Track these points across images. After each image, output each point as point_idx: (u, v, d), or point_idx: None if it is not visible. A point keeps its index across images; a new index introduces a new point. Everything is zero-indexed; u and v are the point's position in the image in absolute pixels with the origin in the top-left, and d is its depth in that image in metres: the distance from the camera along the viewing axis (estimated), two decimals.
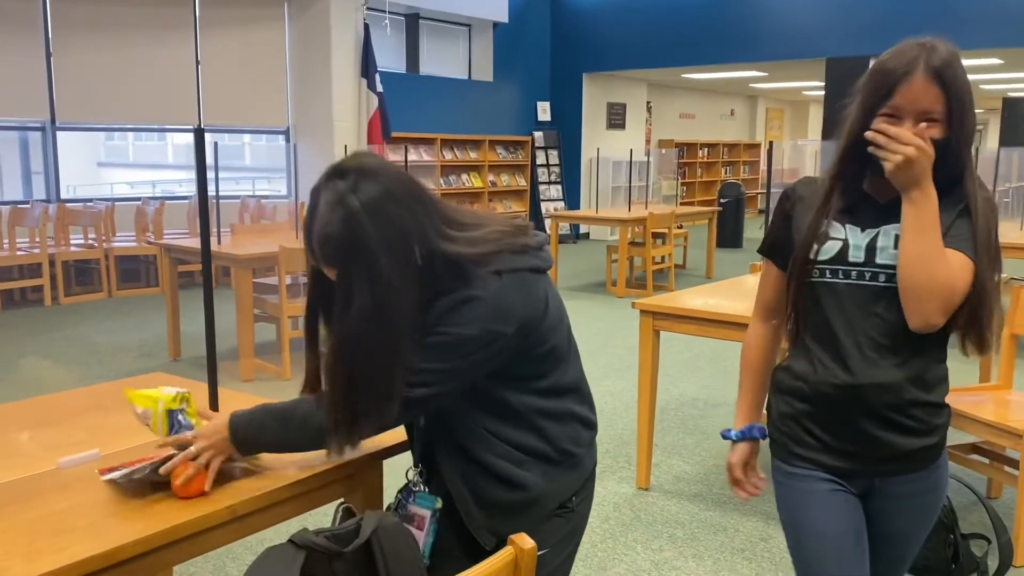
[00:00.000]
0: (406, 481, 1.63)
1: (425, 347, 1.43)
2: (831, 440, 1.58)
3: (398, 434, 1.79)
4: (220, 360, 6.16)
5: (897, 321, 1.51)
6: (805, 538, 1.62)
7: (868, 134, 1.48)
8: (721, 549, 3.06)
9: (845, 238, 1.56)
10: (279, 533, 2.63)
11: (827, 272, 1.57)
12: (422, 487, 1.57)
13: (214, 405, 1.90)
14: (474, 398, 1.51)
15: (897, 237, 1.51)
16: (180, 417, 1.61)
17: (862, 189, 1.58)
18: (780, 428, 1.64)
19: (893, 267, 1.51)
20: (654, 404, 3.54)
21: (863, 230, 1.56)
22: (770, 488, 3.48)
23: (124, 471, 1.50)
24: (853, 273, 1.55)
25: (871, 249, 1.54)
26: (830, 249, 1.56)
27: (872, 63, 1.59)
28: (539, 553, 1.30)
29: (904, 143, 1.44)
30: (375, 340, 1.38)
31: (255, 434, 1.52)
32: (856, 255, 1.55)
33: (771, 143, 3.64)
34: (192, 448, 1.50)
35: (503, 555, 1.26)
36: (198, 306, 7.10)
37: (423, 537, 1.49)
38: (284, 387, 5.12)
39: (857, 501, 1.61)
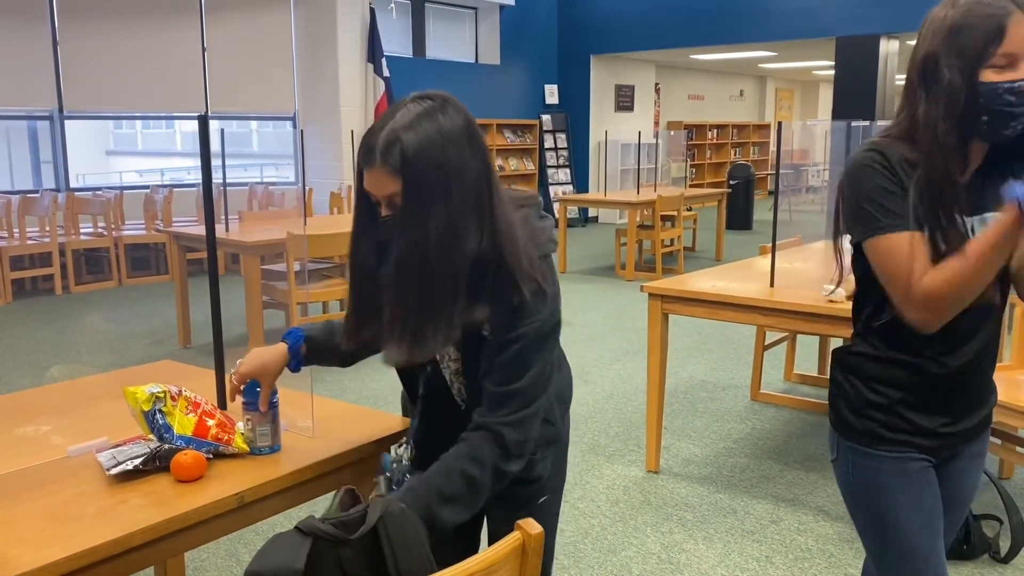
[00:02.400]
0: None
1: (505, 363, 1.42)
2: (927, 422, 1.55)
3: (403, 421, 1.79)
4: (229, 347, 6.18)
5: (990, 304, 1.50)
6: (902, 523, 1.56)
7: (1002, 87, 1.32)
8: (731, 532, 3.06)
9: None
10: (289, 519, 2.64)
11: None
12: (402, 456, 1.58)
13: (221, 393, 1.90)
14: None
15: None
16: (158, 418, 1.60)
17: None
18: (869, 415, 1.57)
19: None
20: (663, 387, 3.54)
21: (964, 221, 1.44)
22: (780, 471, 3.46)
23: (119, 461, 1.51)
24: None
25: None
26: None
27: (945, 19, 1.39)
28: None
29: None
30: (443, 255, 1.35)
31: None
32: None
33: (780, 124, 3.61)
34: None
35: (510, 540, 1.26)
36: (207, 293, 7.10)
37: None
38: (292, 375, 5.12)
39: (935, 473, 1.60)
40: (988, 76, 1.35)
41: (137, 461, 1.52)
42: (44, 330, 6.25)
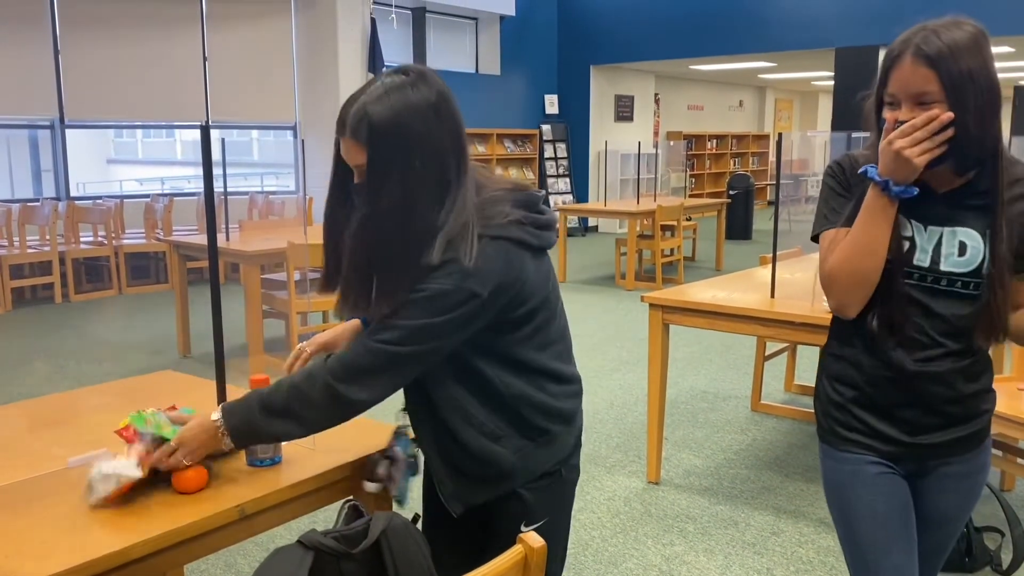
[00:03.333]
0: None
1: (406, 303, 1.43)
2: (883, 427, 1.61)
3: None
4: (229, 356, 6.21)
5: (953, 317, 1.54)
6: (855, 520, 1.63)
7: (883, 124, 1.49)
8: (732, 543, 3.05)
9: (912, 237, 1.54)
10: (290, 531, 2.62)
11: (890, 268, 1.54)
12: (407, 432, 1.62)
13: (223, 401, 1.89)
14: (454, 370, 1.52)
15: (961, 244, 1.51)
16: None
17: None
18: (830, 414, 1.66)
19: (957, 275, 1.52)
20: (664, 398, 3.53)
21: (926, 228, 1.54)
22: (780, 482, 3.46)
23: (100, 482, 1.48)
24: (915, 275, 1.54)
25: (936, 254, 1.53)
26: (896, 248, 1.53)
27: None
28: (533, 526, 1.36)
29: (890, 139, 1.45)
30: (396, 230, 1.40)
31: (251, 416, 1.49)
32: (921, 259, 1.53)
33: (780, 134, 3.62)
34: (169, 448, 1.51)
35: (512, 554, 1.25)
36: (207, 302, 7.13)
37: (398, 478, 1.60)
38: None
39: (905, 483, 1.64)
40: (885, 112, 1.50)
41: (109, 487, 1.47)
42: (44, 339, 6.24)
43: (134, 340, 6.21)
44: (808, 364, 5.15)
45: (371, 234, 1.42)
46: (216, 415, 1.48)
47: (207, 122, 9.51)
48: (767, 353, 4.58)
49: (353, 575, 1.12)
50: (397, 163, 1.39)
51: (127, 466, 1.46)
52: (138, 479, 1.47)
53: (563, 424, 1.61)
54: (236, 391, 1.92)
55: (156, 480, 1.55)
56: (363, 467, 1.66)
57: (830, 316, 3.01)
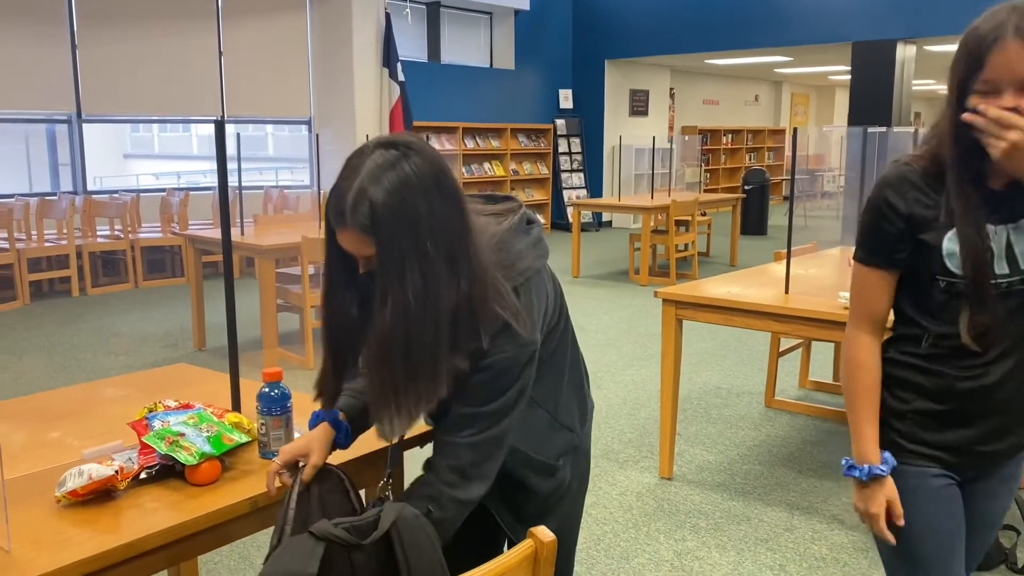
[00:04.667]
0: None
1: (477, 387, 1.40)
2: (952, 437, 1.52)
3: (419, 426, 1.79)
4: (244, 350, 6.23)
5: None
6: (917, 537, 1.53)
7: (965, 117, 1.37)
8: (744, 539, 3.04)
9: (990, 244, 1.45)
10: None
11: (977, 280, 1.45)
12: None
13: (236, 395, 1.90)
14: None
15: None
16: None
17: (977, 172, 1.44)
18: (889, 423, 1.56)
19: None
20: (677, 394, 3.52)
21: (994, 228, 1.45)
22: (794, 479, 3.44)
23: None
24: (1003, 285, 1.46)
25: (1012, 257, 1.45)
26: (980, 261, 1.44)
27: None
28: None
29: (1007, 126, 1.32)
30: (425, 320, 1.30)
31: None
32: (1000, 267, 1.45)
33: (795, 129, 3.59)
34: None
35: (523, 548, 1.25)
36: (223, 296, 7.16)
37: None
38: (308, 376, 5.13)
39: (959, 492, 1.57)
40: (973, 101, 1.38)
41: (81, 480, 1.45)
42: (61, 331, 6.30)
43: (150, 333, 6.26)
44: (822, 360, 5.12)
45: (403, 327, 1.30)
46: None
47: (222, 117, 9.54)
48: (781, 349, 4.56)
49: (363, 566, 1.12)
50: (410, 247, 1.29)
51: (104, 469, 1.46)
52: (108, 477, 1.45)
53: (586, 410, 1.69)
54: (250, 385, 1.94)
55: (170, 472, 1.56)
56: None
57: (846, 313, 2.99)
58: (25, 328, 6.41)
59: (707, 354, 5.60)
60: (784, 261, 4.09)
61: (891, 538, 1.53)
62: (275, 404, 1.64)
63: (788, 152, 17.90)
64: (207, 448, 1.55)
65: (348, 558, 1.11)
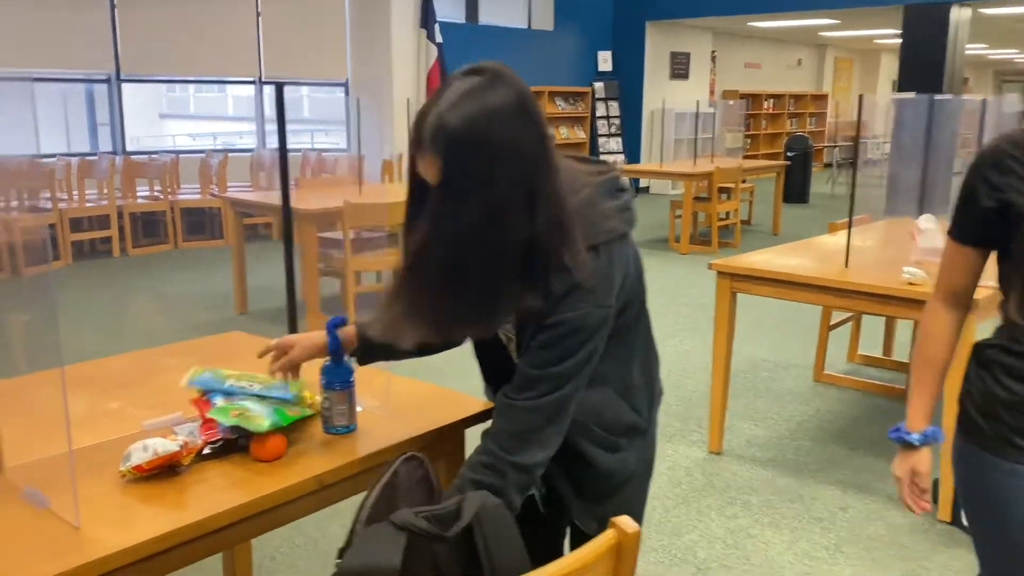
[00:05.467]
0: None
1: (543, 347, 1.36)
2: None
3: (481, 403, 1.74)
4: (281, 314, 6.19)
5: None
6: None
7: None
8: (798, 518, 2.98)
9: None
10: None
11: None
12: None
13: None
14: None
15: None
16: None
17: None
18: (1000, 418, 1.44)
19: None
20: (729, 368, 3.45)
21: None
22: (846, 456, 3.35)
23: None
24: None
25: None
26: None
27: None
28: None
29: None
30: (476, 250, 1.27)
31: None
32: None
33: (860, 96, 3.46)
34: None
35: (605, 539, 1.20)
36: (263, 259, 7.20)
37: None
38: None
39: None
40: None
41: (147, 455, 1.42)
42: (104, 292, 6.34)
43: (191, 295, 6.28)
44: (872, 334, 5.00)
45: (445, 255, 1.29)
46: None
47: (260, 78, 9.49)
48: (832, 323, 4.45)
49: (444, 558, 1.07)
50: (477, 176, 1.25)
51: (169, 444, 1.43)
52: (173, 453, 1.42)
53: (655, 394, 1.63)
54: None
55: (233, 448, 1.53)
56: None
57: (912, 288, 2.89)
58: (69, 288, 6.46)
59: (752, 326, 5.50)
60: (837, 233, 3.98)
61: (913, 506, 1.57)
62: (338, 378, 1.59)
63: (831, 118, 17.52)
64: (275, 418, 1.51)
65: (429, 548, 1.06)
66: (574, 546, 1.61)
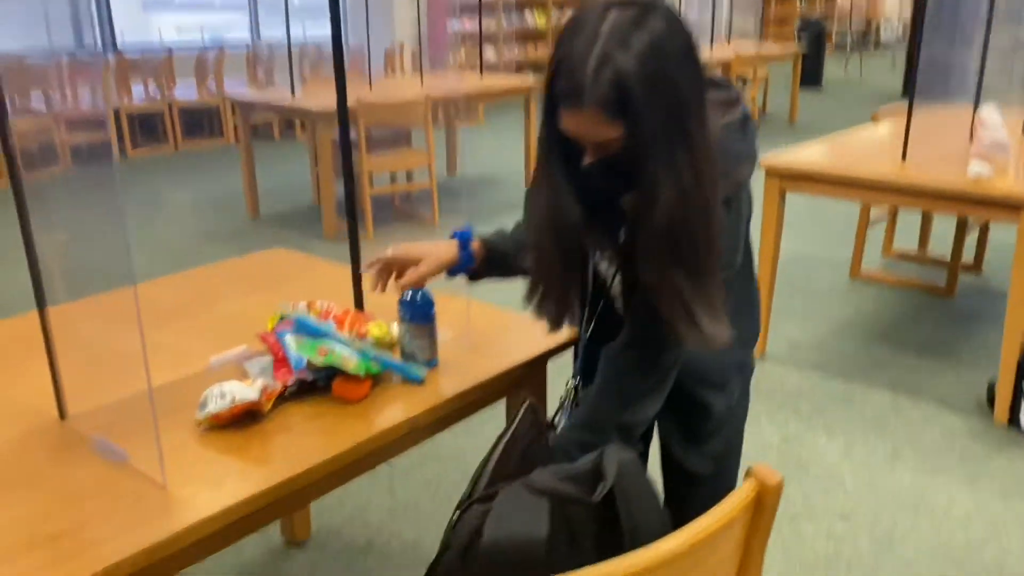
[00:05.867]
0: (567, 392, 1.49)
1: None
2: None
3: (570, 333, 1.62)
4: (295, 218, 6.06)
5: None
6: None
7: None
8: (851, 422, 2.93)
9: None
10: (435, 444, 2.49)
11: None
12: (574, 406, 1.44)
13: (359, 295, 1.73)
14: None
15: None
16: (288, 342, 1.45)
17: None
18: None
19: None
20: (775, 270, 3.33)
21: None
22: (892, 356, 3.24)
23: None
24: None
25: None
26: None
27: None
28: None
29: None
30: (704, 210, 1.12)
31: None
32: None
33: None
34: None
35: (746, 491, 1.10)
36: (267, 160, 6.96)
37: None
38: (367, 246, 4.97)
39: None
40: None
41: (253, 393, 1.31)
42: (110, 199, 6.14)
43: (200, 200, 6.09)
44: (908, 229, 4.86)
45: (683, 222, 1.10)
46: None
47: None
48: (872, 219, 4.30)
49: (579, 521, 0.97)
50: (672, 127, 1.06)
51: (248, 391, 1.31)
52: (254, 403, 1.30)
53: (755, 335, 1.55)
54: (337, 269, 1.76)
55: (311, 389, 1.41)
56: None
57: (978, 186, 2.74)
58: (72, 196, 6.26)
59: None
60: (880, 123, 3.80)
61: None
62: (419, 312, 1.47)
63: (841, 1, 16.86)
64: (363, 362, 1.39)
65: (563, 513, 0.96)
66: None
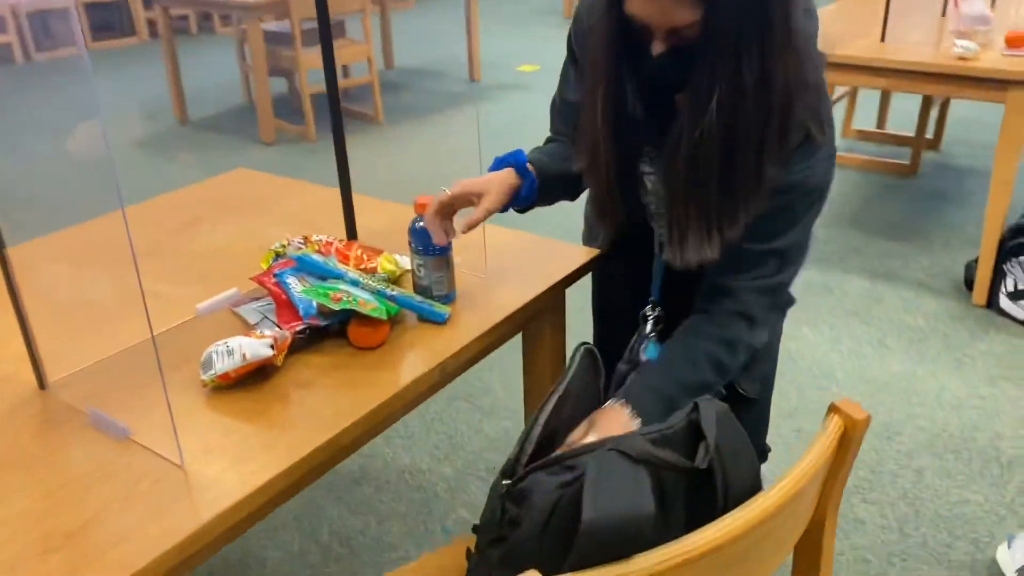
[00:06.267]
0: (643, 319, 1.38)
1: (775, 214, 1.14)
2: None
3: (583, 252, 1.50)
4: (227, 121, 5.71)
5: None
6: None
7: None
8: (833, 313, 2.90)
9: None
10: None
11: None
12: (654, 334, 1.33)
13: (351, 221, 1.57)
14: None
15: None
16: (289, 282, 1.29)
17: None
18: None
19: None
20: None
21: None
22: (865, 242, 3.20)
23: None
24: None
25: None
26: None
27: None
28: None
29: None
30: (756, 116, 1.03)
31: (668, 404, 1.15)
32: None
33: None
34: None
35: (831, 432, 1.01)
36: (189, 59, 6.46)
37: None
38: (311, 150, 4.73)
39: None
40: None
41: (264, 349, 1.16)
42: (19, 107, 5.67)
43: (121, 104, 5.67)
44: (868, 107, 4.80)
45: (729, 127, 1.02)
46: (621, 406, 1.11)
47: None
48: (833, 98, 4.21)
49: (671, 485, 0.87)
50: (753, 17, 0.97)
51: (259, 345, 1.16)
52: (268, 359, 1.15)
53: None
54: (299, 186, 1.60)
55: (322, 334, 1.27)
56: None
57: (963, 64, 2.65)
58: None
59: None
60: (842, 2, 3.65)
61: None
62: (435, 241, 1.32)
63: None
64: (381, 304, 1.25)
65: (657, 476, 0.86)
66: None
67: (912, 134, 4.07)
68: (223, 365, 1.13)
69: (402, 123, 5.06)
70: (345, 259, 1.36)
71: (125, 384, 1.19)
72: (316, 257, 1.33)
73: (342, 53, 5.02)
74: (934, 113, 4.23)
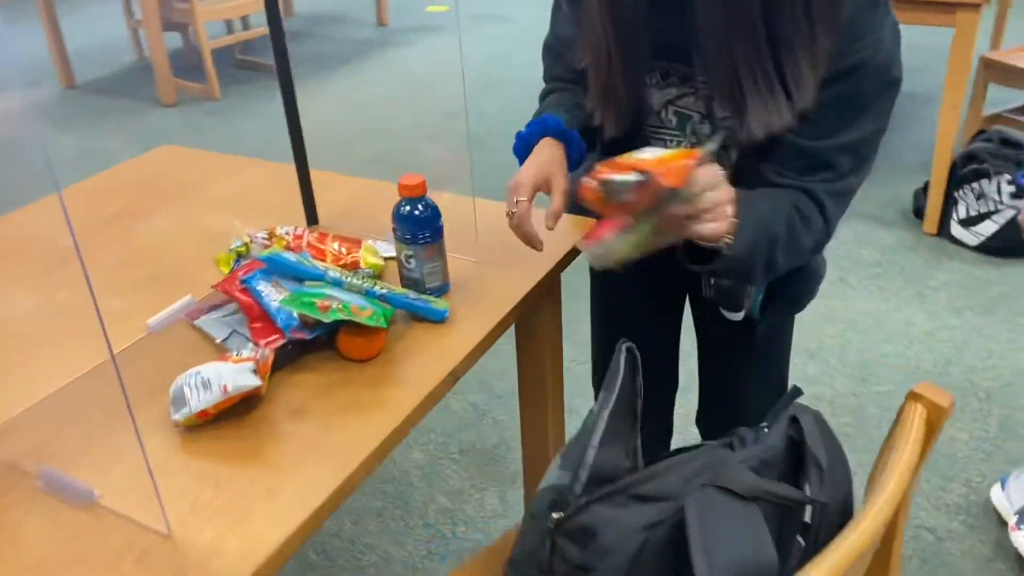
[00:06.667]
0: None
1: (840, 102, 0.99)
2: None
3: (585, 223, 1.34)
4: (120, 82, 5.27)
5: None
6: None
7: None
8: None
9: None
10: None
11: None
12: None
13: (310, 204, 1.37)
14: None
15: None
16: (259, 288, 1.11)
17: None
18: None
19: None
20: None
21: None
22: None
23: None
24: None
25: None
26: None
27: None
28: None
29: None
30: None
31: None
32: None
33: None
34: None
35: (915, 421, 0.91)
36: (67, 15, 5.90)
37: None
38: (214, 109, 4.39)
39: None
40: None
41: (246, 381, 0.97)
42: None
43: None
44: None
45: None
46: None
47: None
48: None
49: (790, 520, 0.75)
50: None
51: (240, 373, 0.97)
52: (255, 389, 0.97)
53: None
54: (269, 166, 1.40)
55: (313, 345, 1.08)
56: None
57: None
58: None
59: None
60: None
61: None
62: (423, 227, 1.14)
63: None
64: (377, 309, 1.07)
65: (767, 512, 0.73)
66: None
67: None
68: (199, 402, 0.95)
69: (312, 76, 4.74)
70: (320, 254, 1.18)
71: (76, 430, 0.99)
72: (288, 255, 1.14)
73: (240, 3, 4.65)
74: None
